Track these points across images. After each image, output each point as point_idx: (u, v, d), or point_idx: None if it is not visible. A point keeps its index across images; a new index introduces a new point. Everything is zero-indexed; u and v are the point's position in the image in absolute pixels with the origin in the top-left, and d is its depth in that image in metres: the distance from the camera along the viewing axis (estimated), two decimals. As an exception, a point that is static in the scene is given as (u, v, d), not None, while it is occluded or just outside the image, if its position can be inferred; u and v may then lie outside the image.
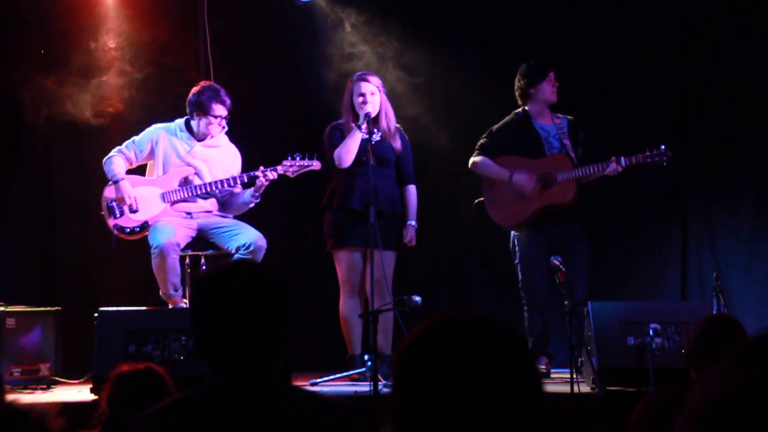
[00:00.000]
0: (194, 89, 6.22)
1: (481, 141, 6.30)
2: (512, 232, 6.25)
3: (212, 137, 6.25)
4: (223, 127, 6.27)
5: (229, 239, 6.04)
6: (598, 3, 7.34)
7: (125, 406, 2.75)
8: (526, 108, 6.26)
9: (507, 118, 6.31)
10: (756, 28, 7.11)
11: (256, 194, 6.12)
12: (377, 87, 6.07)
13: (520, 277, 6.19)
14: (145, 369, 2.84)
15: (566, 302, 5.89)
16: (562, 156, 6.14)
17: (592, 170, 6.05)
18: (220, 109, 6.17)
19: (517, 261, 6.20)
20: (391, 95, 6.39)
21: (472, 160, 6.28)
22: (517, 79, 6.30)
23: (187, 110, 6.24)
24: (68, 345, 6.12)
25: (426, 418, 1.34)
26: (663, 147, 5.96)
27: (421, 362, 1.37)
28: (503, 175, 6.17)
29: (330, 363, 6.14)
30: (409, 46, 7.21)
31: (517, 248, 6.21)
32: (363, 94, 6.02)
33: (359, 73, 6.19)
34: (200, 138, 6.25)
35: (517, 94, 6.31)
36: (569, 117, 6.32)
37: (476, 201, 6.34)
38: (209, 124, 6.18)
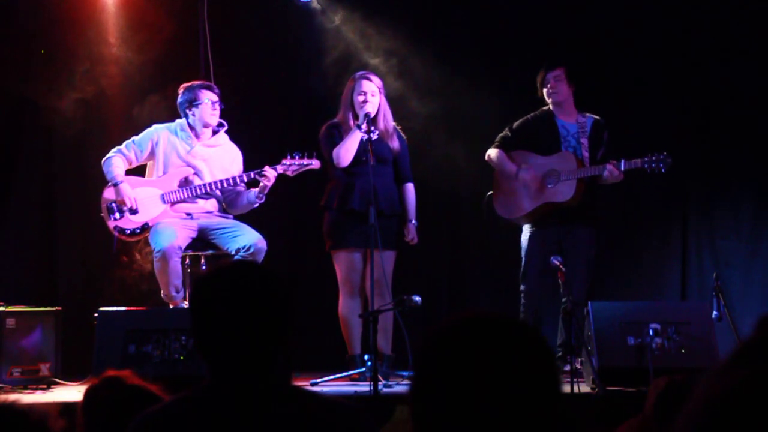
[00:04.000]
0: (178, 93, 6.24)
1: (501, 134, 6.37)
2: (524, 227, 6.29)
3: (213, 127, 6.22)
4: (222, 124, 6.25)
5: (229, 240, 6.04)
6: (602, 5, 7.33)
7: (101, 420, 2.74)
8: (550, 106, 6.30)
9: (530, 114, 6.35)
10: (757, 28, 7.11)
11: (261, 195, 6.11)
12: (378, 87, 6.07)
13: (521, 269, 6.23)
14: (105, 380, 2.81)
15: (566, 302, 5.93)
16: (570, 155, 6.16)
17: (592, 172, 6.07)
18: (206, 94, 6.16)
19: (522, 254, 6.25)
20: (392, 95, 6.40)
21: (488, 152, 6.35)
22: None
23: (181, 114, 6.25)
24: (68, 345, 6.11)
25: (446, 416, 1.34)
26: (664, 153, 5.97)
27: (443, 361, 1.37)
28: (511, 170, 6.22)
29: (330, 363, 6.14)
30: (410, 46, 7.21)
31: (523, 243, 6.25)
32: (364, 93, 6.02)
33: (362, 72, 6.21)
34: (202, 134, 6.23)
35: None
36: (596, 117, 6.31)
37: (488, 194, 6.38)
38: (202, 111, 6.16)
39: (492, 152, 6.34)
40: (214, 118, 6.20)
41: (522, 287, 6.24)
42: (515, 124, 6.36)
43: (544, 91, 6.28)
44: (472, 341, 1.37)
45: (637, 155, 6.03)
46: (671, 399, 2.95)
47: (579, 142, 6.22)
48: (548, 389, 1.36)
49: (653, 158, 5.97)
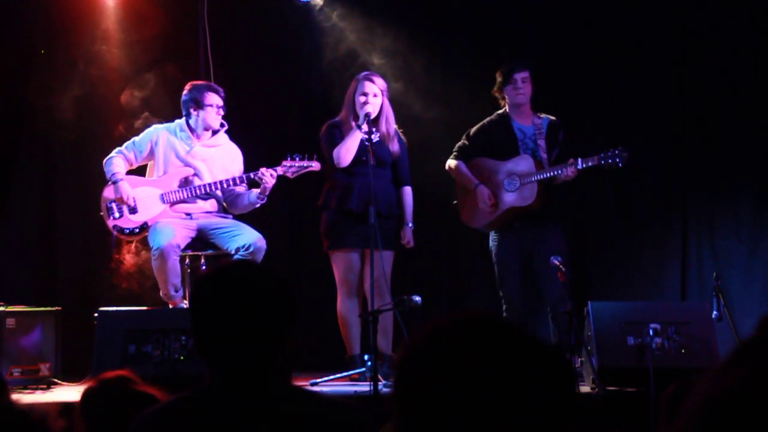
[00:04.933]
0: (184, 90, 6.24)
1: (459, 143, 6.36)
2: (491, 233, 6.30)
3: (214, 129, 6.23)
4: (222, 124, 6.25)
5: (229, 240, 6.04)
6: (599, 5, 7.34)
7: (100, 422, 2.73)
8: (506, 109, 6.29)
9: (487, 119, 6.35)
10: (756, 27, 7.11)
11: (262, 196, 6.11)
12: (381, 89, 6.07)
13: (496, 276, 6.24)
14: (103, 382, 2.79)
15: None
16: (528, 158, 6.16)
17: (551, 173, 6.06)
18: (213, 98, 6.17)
19: (494, 260, 6.25)
20: (391, 95, 6.39)
21: (448, 163, 6.35)
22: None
23: (183, 111, 6.25)
24: (68, 345, 6.12)
25: (429, 419, 1.33)
26: (619, 147, 5.96)
27: (424, 364, 1.35)
28: (470, 184, 6.24)
29: (330, 363, 6.14)
30: (410, 46, 7.21)
31: (493, 248, 6.26)
32: (366, 94, 6.02)
33: (366, 72, 6.20)
34: (201, 135, 6.24)
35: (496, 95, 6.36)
36: (551, 117, 6.31)
37: (454, 203, 6.41)
38: (207, 114, 6.17)
39: (452, 163, 6.33)
40: (216, 122, 6.22)
41: (501, 294, 6.24)
42: (471, 131, 6.34)
43: (510, 90, 6.22)
44: (460, 342, 1.35)
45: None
46: (680, 401, 2.94)
47: (536, 143, 6.21)
48: (540, 390, 1.34)
49: (609, 154, 5.96)
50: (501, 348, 1.33)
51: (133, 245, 6.33)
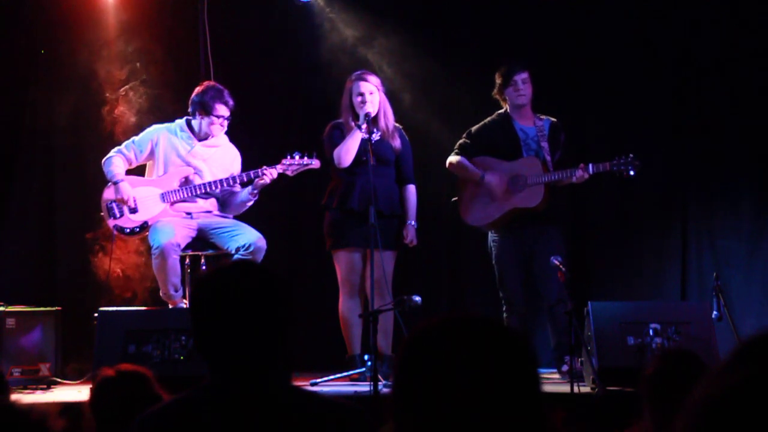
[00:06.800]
0: (198, 89, 6.22)
1: (460, 141, 6.35)
2: (489, 233, 6.30)
3: (213, 137, 6.25)
4: (224, 128, 6.27)
5: (229, 239, 6.04)
6: (599, 6, 7.33)
7: (110, 413, 2.73)
8: (507, 110, 6.29)
9: (488, 119, 6.34)
10: (755, 26, 7.11)
11: (254, 191, 6.11)
12: (376, 86, 6.06)
13: (496, 277, 6.23)
14: (122, 373, 2.79)
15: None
16: (534, 159, 6.16)
17: (560, 176, 6.06)
18: (222, 110, 6.17)
19: (493, 261, 6.24)
20: (391, 94, 6.39)
21: (449, 159, 6.32)
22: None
23: (190, 109, 6.24)
24: (68, 345, 6.12)
25: (426, 417, 1.33)
26: (631, 155, 5.96)
27: (422, 362, 1.37)
28: (475, 176, 6.20)
29: (330, 363, 6.14)
30: (410, 44, 7.21)
31: (492, 249, 6.25)
32: (362, 94, 6.02)
33: (357, 72, 6.18)
34: (201, 138, 6.25)
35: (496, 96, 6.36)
36: (552, 119, 6.30)
37: (452, 200, 6.39)
38: (211, 124, 6.18)
39: (453, 159, 6.30)
40: (218, 132, 6.23)
41: (501, 294, 6.24)
42: (473, 130, 6.33)
43: (511, 92, 6.21)
44: (452, 342, 1.37)
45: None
46: (664, 374, 3.00)
47: (540, 145, 6.20)
48: (526, 390, 1.36)
49: (621, 161, 5.97)
50: (480, 346, 1.36)
51: (114, 244, 6.32)
